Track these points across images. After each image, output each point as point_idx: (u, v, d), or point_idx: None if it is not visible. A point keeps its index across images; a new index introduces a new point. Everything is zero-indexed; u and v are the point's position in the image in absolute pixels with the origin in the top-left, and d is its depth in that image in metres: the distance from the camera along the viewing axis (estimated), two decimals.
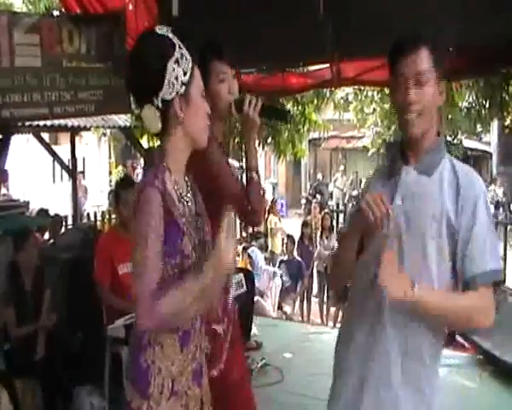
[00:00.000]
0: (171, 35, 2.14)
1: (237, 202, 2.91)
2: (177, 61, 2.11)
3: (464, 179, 2.28)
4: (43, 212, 9.96)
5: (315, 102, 13.16)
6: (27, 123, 9.56)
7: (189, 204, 2.25)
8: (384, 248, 2.18)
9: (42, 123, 10.26)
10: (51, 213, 10.67)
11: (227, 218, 2.06)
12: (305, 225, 11.32)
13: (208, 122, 2.25)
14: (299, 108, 12.85)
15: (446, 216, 2.24)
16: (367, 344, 2.36)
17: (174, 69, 2.10)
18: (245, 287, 5.58)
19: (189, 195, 2.28)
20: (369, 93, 16.75)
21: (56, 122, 10.08)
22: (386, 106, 16.99)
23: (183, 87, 2.13)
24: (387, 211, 2.13)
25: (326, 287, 10.87)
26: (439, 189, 2.29)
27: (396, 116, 2.42)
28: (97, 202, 18.94)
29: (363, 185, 2.58)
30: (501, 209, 20.34)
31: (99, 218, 12.32)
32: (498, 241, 1.83)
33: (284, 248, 12.13)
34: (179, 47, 2.12)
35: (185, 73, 2.13)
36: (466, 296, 2.25)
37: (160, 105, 2.13)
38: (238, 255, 9.86)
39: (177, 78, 2.11)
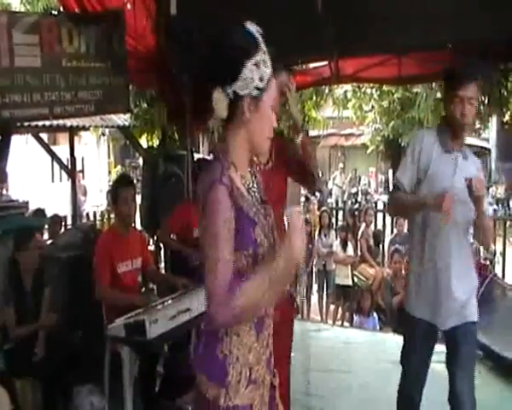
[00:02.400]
0: (259, 37, 2.16)
1: (298, 169, 3.83)
2: (256, 64, 2.13)
3: (475, 158, 3.75)
4: (39, 211, 9.93)
5: (314, 98, 13.16)
6: (26, 123, 9.56)
7: (256, 194, 2.32)
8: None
9: (40, 123, 10.26)
10: (50, 213, 10.66)
11: (296, 211, 2.16)
12: (305, 222, 11.31)
13: (271, 135, 2.27)
14: (299, 105, 12.86)
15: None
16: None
17: (252, 70, 2.12)
18: None
19: (255, 185, 2.35)
20: (368, 90, 16.79)
21: (55, 122, 10.08)
22: (385, 103, 17.01)
23: (257, 91, 2.15)
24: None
25: (325, 284, 10.87)
26: (473, 166, 3.63)
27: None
28: (97, 201, 18.94)
29: (416, 138, 3.82)
30: (500, 206, 20.36)
31: (98, 218, 12.33)
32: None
33: None
34: (263, 52, 2.15)
35: (261, 79, 2.15)
36: None
37: (231, 95, 2.14)
38: None
39: (252, 78, 2.13)
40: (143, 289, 5.61)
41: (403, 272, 9.74)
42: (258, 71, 2.13)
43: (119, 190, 5.13)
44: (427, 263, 3.68)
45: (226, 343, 2.19)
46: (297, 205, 2.06)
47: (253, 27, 2.17)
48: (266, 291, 2.06)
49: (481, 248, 8.96)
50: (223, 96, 2.15)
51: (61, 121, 10.57)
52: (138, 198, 7.59)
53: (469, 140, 23.27)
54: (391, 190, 3.86)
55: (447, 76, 3.62)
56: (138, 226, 7.11)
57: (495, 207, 19.61)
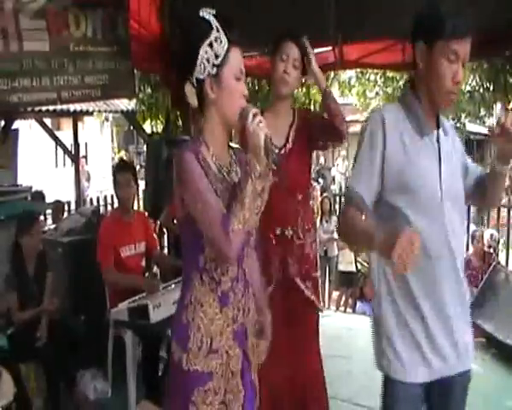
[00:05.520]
0: (211, 18, 2.26)
1: (324, 125, 3.75)
2: (210, 44, 2.25)
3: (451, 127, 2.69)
4: (38, 194, 9.88)
5: None
6: (30, 108, 9.53)
7: (232, 174, 2.41)
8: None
9: (44, 108, 10.25)
10: (54, 198, 10.65)
11: (247, 110, 2.23)
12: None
13: (243, 103, 2.31)
14: (304, 89, 12.76)
15: (464, 161, 2.68)
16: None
17: (206, 51, 2.25)
18: None
19: (233, 167, 2.44)
20: (372, 77, 16.69)
21: (59, 107, 10.07)
22: (389, 90, 16.91)
23: (215, 69, 2.27)
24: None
25: (327, 271, 10.88)
26: (453, 142, 2.62)
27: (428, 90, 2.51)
28: (100, 187, 18.93)
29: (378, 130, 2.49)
30: (504, 194, 20.35)
31: (102, 203, 12.34)
32: None
33: None
34: (216, 30, 2.25)
35: (217, 56, 2.26)
36: None
37: (195, 83, 2.30)
38: None
39: (208, 60, 2.26)
40: (147, 274, 5.62)
41: None
42: (212, 50, 2.25)
43: (117, 174, 5.20)
44: None
45: (190, 311, 2.35)
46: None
47: (205, 12, 2.29)
48: (252, 196, 2.18)
49: (485, 236, 8.95)
50: (190, 87, 2.32)
51: (65, 106, 10.57)
52: (142, 183, 7.60)
53: (474, 128, 23.30)
54: (343, 206, 2.65)
55: (430, 24, 2.43)
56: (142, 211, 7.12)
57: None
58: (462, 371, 2.58)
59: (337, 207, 12.09)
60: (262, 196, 2.22)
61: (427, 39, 2.44)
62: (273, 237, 3.66)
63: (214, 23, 2.25)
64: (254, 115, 2.19)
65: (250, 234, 2.39)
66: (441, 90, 2.44)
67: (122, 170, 5.24)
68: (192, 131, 7.08)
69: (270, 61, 3.77)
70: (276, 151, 3.44)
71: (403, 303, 2.51)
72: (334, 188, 20.65)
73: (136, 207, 5.60)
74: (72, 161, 13.49)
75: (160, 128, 10.06)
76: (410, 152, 2.45)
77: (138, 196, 6.51)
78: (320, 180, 21.55)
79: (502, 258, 9.50)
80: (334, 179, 24.52)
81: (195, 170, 2.22)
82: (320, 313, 3.96)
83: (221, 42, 2.25)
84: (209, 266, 2.33)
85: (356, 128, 29.33)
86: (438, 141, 2.51)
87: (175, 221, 6.11)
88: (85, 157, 22.32)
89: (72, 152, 13.38)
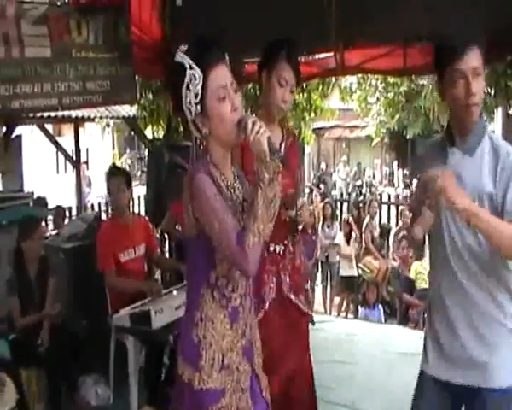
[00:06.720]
0: (184, 59, 2.25)
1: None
2: (187, 87, 2.25)
3: (502, 151, 2.55)
4: (41, 200, 9.91)
5: (320, 88, 13.06)
6: (32, 114, 9.55)
7: (237, 192, 2.43)
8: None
9: (46, 114, 10.26)
10: (55, 204, 10.67)
11: (245, 121, 2.22)
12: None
13: (235, 117, 2.27)
14: (305, 95, 12.77)
15: (485, 189, 2.52)
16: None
17: (186, 95, 2.27)
18: None
19: (236, 184, 2.45)
20: (373, 82, 16.75)
21: (60, 113, 10.09)
22: (390, 95, 16.97)
23: (198, 106, 2.28)
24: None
25: (329, 276, 10.87)
26: (479, 166, 2.57)
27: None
28: (101, 192, 18.96)
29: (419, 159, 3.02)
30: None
31: (103, 208, 12.36)
32: None
33: None
34: (190, 68, 2.24)
35: (196, 95, 2.26)
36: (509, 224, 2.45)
37: (192, 124, 2.35)
38: None
39: (190, 102, 2.27)
40: (148, 280, 5.62)
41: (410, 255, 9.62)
42: (190, 92, 2.26)
43: (108, 180, 5.28)
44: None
45: (201, 328, 2.33)
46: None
47: (178, 55, 2.28)
48: (265, 208, 2.16)
49: None
50: (192, 127, 2.36)
51: (66, 112, 10.58)
52: (144, 189, 7.61)
53: None
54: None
55: (437, 54, 2.64)
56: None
57: None
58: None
59: (338, 212, 12.11)
60: (274, 202, 2.20)
61: (438, 74, 2.63)
62: (267, 254, 3.53)
63: (186, 62, 2.24)
64: (253, 124, 2.19)
65: (265, 244, 2.38)
66: (457, 108, 2.58)
67: (113, 175, 5.30)
68: (192, 138, 7.12)
69: (263, 74, 3.57)
70: None
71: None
72: (335, 193, 20.65)
73: (137, 212, 5.57)
74: (74, 166, 13.53)
75: (161, 134, 10.07)
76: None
77: (133, 200, 6.50)
78: (321, 186, 21.58)
79: None
80: (335, 185, 24.54)
81: (211, 190, 2.23)
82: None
83: (195, 78, 2.24)
84: (220, 283, 2.34)
85: (356, 134, 29.46)
86: (446, 151, 2.67)
87: (177, 226, 6.12)
88: (86, 163, 22.34)
89: (74, 158, 13.41)
